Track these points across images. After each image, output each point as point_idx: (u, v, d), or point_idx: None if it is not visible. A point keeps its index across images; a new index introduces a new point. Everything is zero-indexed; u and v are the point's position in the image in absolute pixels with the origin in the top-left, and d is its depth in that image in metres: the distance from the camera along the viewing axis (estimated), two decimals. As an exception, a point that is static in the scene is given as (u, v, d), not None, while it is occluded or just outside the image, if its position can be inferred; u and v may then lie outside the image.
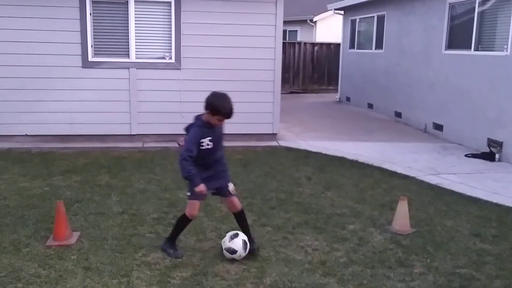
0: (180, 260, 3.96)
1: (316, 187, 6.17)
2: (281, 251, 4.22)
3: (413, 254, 4.23)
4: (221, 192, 4.09)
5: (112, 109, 8.35)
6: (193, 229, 4.59)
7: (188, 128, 3.94)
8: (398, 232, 4.70)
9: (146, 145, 8.33)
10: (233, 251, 3.91)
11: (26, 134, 8.19)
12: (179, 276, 3.70)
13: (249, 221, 4.77)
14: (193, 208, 3.99)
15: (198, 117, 3.92)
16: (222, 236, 4.47)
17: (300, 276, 3.77)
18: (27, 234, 4.38)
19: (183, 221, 4.08)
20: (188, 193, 3.97)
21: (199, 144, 3.81)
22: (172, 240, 4.11)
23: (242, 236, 3.99)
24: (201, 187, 3.78)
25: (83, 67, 8.18)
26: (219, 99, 3.83)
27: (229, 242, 3.93)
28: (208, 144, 3.85)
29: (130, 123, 8.45)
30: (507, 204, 5.65)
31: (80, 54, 8.14)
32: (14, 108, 8.09)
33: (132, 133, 8.48)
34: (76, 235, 4.37)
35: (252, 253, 4.02)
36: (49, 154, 7.50)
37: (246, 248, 3.95)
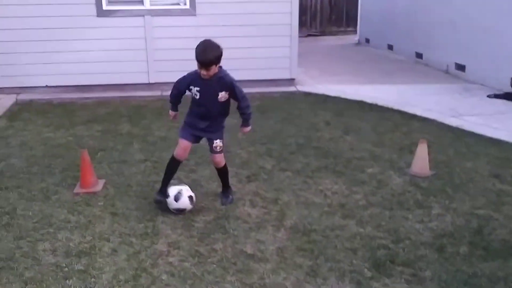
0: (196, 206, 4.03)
1: (334, 131, 6.17)
2: (301, 195, 4.31)
3: (431, 196, 4.28)
4: (209, 145, 4.05)
5: (129, 58, 8.32)
6: (214, 175, 4.68)
7: None
8: (417, 174, 4.73)
9: (164, 93, 8.34)
10: (182, 210, 3.88)
11: (47, 86, 8.28)
12: (202, 220, 3.83)
13: (268, 166, 4.94)
14: (178, 145, 4.01)
15: None
16: (242, 181, 4.60)
17: (319, 219, 3.87)
18: (54, 182, 4.54)
19: (169, 162, 4.09)
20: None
21: (187, 87, 3.87)
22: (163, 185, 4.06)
23: (186, 193, 3.89)
24: (171, 112, 4.13)
25: (97, 16, 8.09)
26: (198, 44, 3.71)
27: (176, 203, 3.85)
28: (195, 94, 3.83)
29: (148, 72, 8.45)
30: (529, 145, 5.61)
31: (94, 3, 8.04)
32: (33, 60, 8.11)
33: (151, 82, 8.49)
34: (101, 182, 4.51)
35: (223, 205, 4.08)
36: (70, 105, 7.62)
37: (193, 201, 3.91)
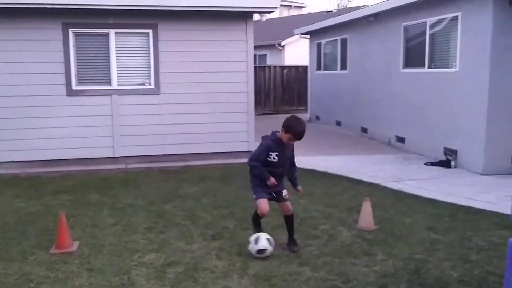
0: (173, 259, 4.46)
1: (290, 196, 6.74)
2: (261, 249, 4.77)
3: (376, 246, 4.86)
4: (277, 198, 4.77)
5: (96, 133, 8.82)
6: (181, 234, 5.12)
7: (263, 138, 4.68)
8: (363, 228, 5.34)
9: (129, 166, 8.80)
10: (263, 251, 4.49)
11: (13, 160, 8.57)
12: (173, 272, 4.22)
13: (231, 226, 5.39)
14: (261, 205, 4.60)
15: (273, 133, 4.62)
16: (208, 239, 5.04)
17: (278, 267, 4.34)
18: (31, 245, 4.83)
19: (257, 217, 4.79)
20: (254, 196, 4.69)
21: (267, 155, 4.53)
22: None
23: (263, 236, 4.58)
24: (272, 179, 4.54)
25: (67, 95, 8.66)
26: (294, 120, 4.52)
27: (255, 245, 4.51)
28: (274, 158, 4.57)
29: (113, 146, 8.93)
30: (459, 203, 6.38)
31: (64, 83, 8.63)
32: (2, 136, 8.47)
33: (116, 156, 8.95)
34: (76, 243, 4.83)
35: (295, 252, 4.68)
36: (36, 178, 7.91)
37: (271, 243, 4.54)
